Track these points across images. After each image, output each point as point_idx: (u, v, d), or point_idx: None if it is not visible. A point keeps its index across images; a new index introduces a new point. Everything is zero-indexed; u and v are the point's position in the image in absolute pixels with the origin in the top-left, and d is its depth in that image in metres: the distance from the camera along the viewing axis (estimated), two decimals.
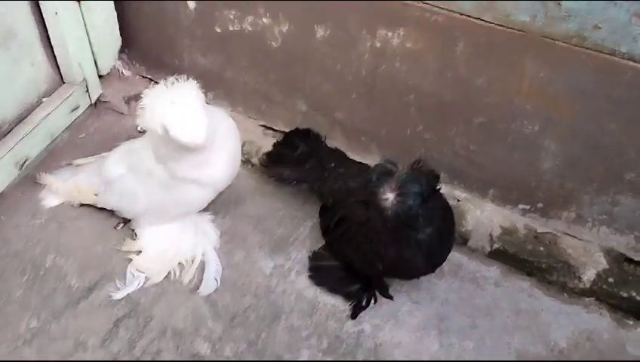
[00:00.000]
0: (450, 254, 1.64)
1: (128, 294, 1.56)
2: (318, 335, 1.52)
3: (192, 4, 1.79)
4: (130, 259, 1.61)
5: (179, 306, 1.55)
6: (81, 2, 1.72)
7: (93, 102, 1.92)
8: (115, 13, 1.88)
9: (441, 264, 1.50)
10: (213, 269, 1.61)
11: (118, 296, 1.55)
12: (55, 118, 1.77)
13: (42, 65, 1.76)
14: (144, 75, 2.05)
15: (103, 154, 1.74)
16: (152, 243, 1.61)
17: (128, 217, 1.66)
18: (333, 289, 1.61)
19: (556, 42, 1.37)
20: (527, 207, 1.69)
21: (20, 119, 1.71)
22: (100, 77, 1.95)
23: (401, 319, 1.57)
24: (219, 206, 1.77)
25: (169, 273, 1.60)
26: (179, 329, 1.51)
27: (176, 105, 1.28)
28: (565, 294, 1.62)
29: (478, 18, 1.42)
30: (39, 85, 1.77)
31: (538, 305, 1.61)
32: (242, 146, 1.86)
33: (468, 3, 1.40)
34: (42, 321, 1.50)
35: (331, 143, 1.81)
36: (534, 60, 1.42)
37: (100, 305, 1.54)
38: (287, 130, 1.86)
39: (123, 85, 2.03)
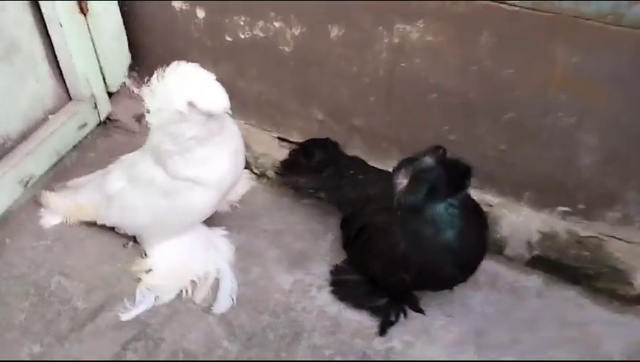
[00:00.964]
0: (485, 263, 1.51)
1: (137, 315, 1.45)
2: (342, 354, 1.39)
3: (201, 13, 1.73)
4: (140, 279, 1.51)
5: (191, 327, 1.44)
6: (87, 14, 1.66)
7: (102, 119, 1.85)
8: (123, 27, 1.82)
9: (473, 272, 1.37)
10: (228, 286, 1.50)
11: (126, 316, 1.45)
12: (62, 135, 1.70)
13: (48, 81, 1.70)
14: None
15: (101, 171, 1.68)
16: (162, 259, 1.52)
17: (130, 233, 1.58)
18: (358, 305, 1.48)
19: (589, 22, 1.26)
20: (567, 209, 1.55)
21: (25, 136, 1.65)
22: (110, 94, 1.89)
23: (435, 334, 1.43)
24: (233, 221, 1.67)
25: (181, 291, 1.50)
26: (192, 351, 1.39)
27: (193, 80, 1.26)
28: (616, 302, 1.47)
29: (502, 2, 1.32)
30: (45, 101, 1.71)
31: (586, 315, 1.46)
32: (257, 159, 1.80)
33: None
34: (45, 346, 1.40)
35: (350, 151, 1.71)
36: (566, 45, 1.31)
37: (106, 328, 1.44)
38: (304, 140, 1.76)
39: (133, 103, 1.96)
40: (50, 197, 1.63)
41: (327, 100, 1.71)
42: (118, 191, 1.51)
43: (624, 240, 1.50)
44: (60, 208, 1.62)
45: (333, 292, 1.51)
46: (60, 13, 1.58)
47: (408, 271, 1.32)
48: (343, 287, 1.51)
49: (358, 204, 1.49)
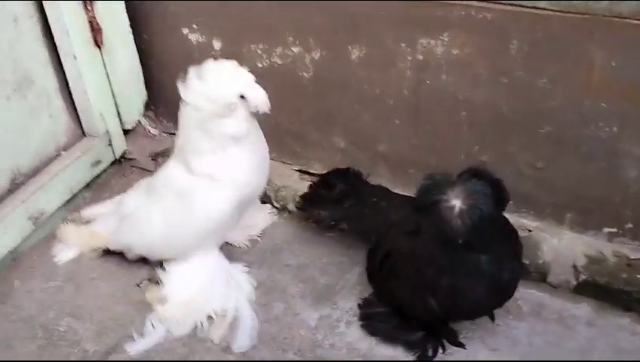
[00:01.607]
0: (527, 292, 1.42)
1: (148, 353, 1.34)
2: None
3: (217, 45, 1.69)
4: (153, 308, 1.42)
5: None
6: (102, 48, 1.63)
7: (117, 157, 1.79)
8: (139, 63, 1.79)
9: (509, 297, 1.25)
10: (248, 324, 1.39)
11: (134, 349, 1.36)
12: (74, 171, 1.64)
13: (61, 117, 1.66)
14: (172, 132, 1.93)
15: (117, 197, 1.63)
16: (179, 289, 1.42)
17: (142, 251, 1.49)
18: (391, 339, 1.35)
19: (627, 21, 1.19)
20: (614, 229, 1.43)
21: (36, 172, 1.59)
22: (125, 132, 1.84)
23: None
24: (253, 255, 1.58)
25: (196, 326, 1.39)
26: None
27: (240, 76, 1.28)
28: None
29: (533, 7, 1.26)
30: (58, 137, 1.66)
31: None
32: (277, 192, 1.72)
33: None
34: None
35: (375, 180, 1.62)
36: (603, 47, 1.23)
37: None
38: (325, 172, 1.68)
39: (149, 142, 1.91)
40: (64, 228, 1.58)
41: (350, 127, 1.64)
42: (135, 208, 1.46)
43: None
44: (74, 238, 1.56)
45: (363, 326, 1.39)
46: (74, 46, 1.55)
47: (436, 297, 1.20)
48: (373, 321, 1.39)
49: (381, 231, 1.39)
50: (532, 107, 1.37)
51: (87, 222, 1.60)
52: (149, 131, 1.93)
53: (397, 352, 1.33)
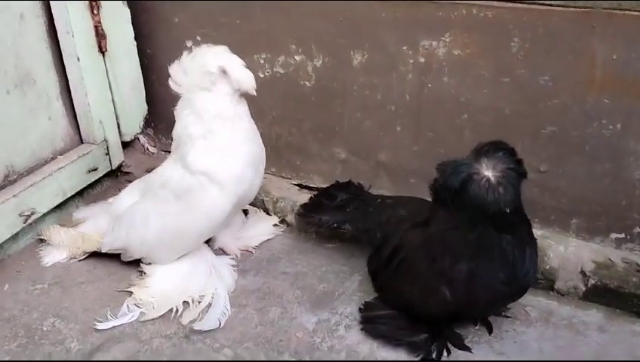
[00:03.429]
0: (533, 299, 1.36)
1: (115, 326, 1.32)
2: None
3: None
4: (132, 293, 1.41)
5: None
6: (106, 54, 1.64)
7: (114, 167, 1.76)
8: (141, 76, 1.79)
9: (527, 288, 1.19)
10: (219, 310, 1.38)
11: (103, 326, 1.34)
12: (69, 173, 1.61)
13: (60, 121, 1.65)
14: (170, 150, 1.91)
15: (110, 199, 1.61)
16: (161, 280, 1.41)
17: (138, 254, 1.45)
18: (394, 341, 1.29)
19: (627, 13, 1.20)
20: (622, 235, 1.39)
21: (31, 173, 1.55)
22: (124, 145, 1.82)
23: None
24: (249, 264, 1.54)
25: (171, 310, 1.37)
26: None
27: (226, 55, 1.32)
28: None
29: (532, 2, 1.28)
30: (56, 141, 1.64)
31: None
32: (276, 203, 1.69)
33: None
34: None
35: (376, 191, 1.59)
36: (604, 41, 1.24)
37: None
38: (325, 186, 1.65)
39: (147, 158, 1.89)
40: (54, 230, 1.54)
41: (351, 136, 1.63)
42: (130, 206, 1.44)
43: None
44: (64, 240, 1.52)
45: (364, 329, 1.33)
46: (78, 48, 1.55)
47: (451, 287, 1.15)
48: (375, 324, 1.33)
49: (388, 226, 1.35)
50: (534, 107, 1.36)
51: (77, 224, 1.56)
52: (148, 149, 1.91)
53: (399, 354, 1.26)
